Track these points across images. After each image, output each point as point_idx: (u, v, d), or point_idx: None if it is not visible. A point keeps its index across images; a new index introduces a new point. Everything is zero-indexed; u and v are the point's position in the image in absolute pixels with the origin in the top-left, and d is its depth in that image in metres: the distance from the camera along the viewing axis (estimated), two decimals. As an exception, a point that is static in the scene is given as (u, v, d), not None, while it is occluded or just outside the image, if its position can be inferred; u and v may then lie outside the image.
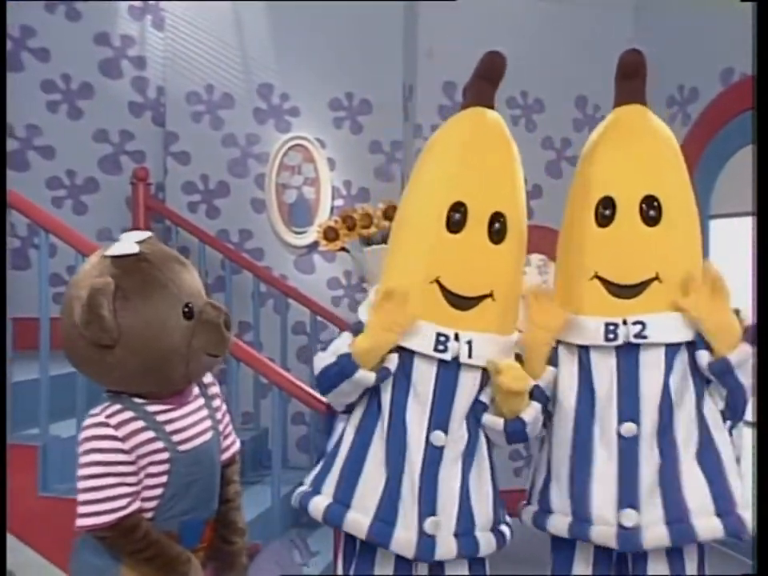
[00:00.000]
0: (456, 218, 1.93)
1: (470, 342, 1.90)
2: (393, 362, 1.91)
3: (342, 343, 1.93)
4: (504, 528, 1.98)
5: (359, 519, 1.89)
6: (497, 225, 1.94)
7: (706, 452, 1.92)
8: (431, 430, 1.90)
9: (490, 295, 1.93)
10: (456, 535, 1.87)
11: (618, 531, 1.86)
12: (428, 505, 1.86)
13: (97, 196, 4.44)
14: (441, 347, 1.90)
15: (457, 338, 1.90)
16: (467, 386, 1.93)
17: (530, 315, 2.00)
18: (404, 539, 1.84)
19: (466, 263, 1.94)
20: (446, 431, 1.90)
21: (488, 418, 1.93)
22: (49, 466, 2.71)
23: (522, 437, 1.94)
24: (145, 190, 4.17)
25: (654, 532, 1.86)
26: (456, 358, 1.90)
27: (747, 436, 3.08)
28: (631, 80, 2.06)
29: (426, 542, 1.84)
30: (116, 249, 1.63)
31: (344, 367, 1.87)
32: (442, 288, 1.92)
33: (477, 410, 1.94)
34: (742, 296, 3.14)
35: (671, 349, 1.94)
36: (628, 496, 1.87)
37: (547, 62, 4.35)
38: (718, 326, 1.90)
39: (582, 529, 1.91)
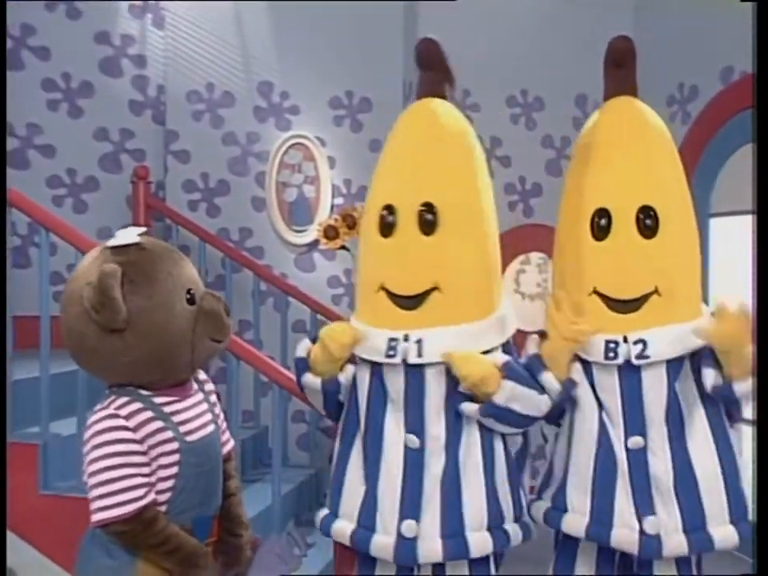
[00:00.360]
0: (387, 222, 1.92)
1: (419, 341, 1.87)
2: (346, 372, 1.98)
3: (302, 347, 2.10)
4: (510, 527, 1.92)
5: (344, 526, 1.92)
6: (427, 216, 1.89)
7: (722, 457, 1.90)
8: (406, 433, 1.89)
9: (436, 288, 1.89)
10: (443, 537, 1.83)
11: (640, 537, 1.83)
12: (410, 508, 1.84)
13: (97, 194, 4.44)
14: (391, 352, 1.88)
15: (407, 338, 1.87)
16: (435, 384, 1.90)
17: (553, 325, 1.92)
18: (382, 543, 1.84)
19: (402, 264, 1.91)
20: (420, 433, 1.88)
21: (464, 407, 1.88)
22: (49, 464, 2.71)
23: (505, 418, 1.86)
24: (145, 188, 4.18)
25: (674, 540, 1.84)
26: (406, 359, 1.88)
27: (747, 435, 3.08)
28: (621, 68, 2.01)
29: (406, 545, 1.82)
30: (117, 240, 1.67)
31: (298, 370, 2.07)
32: (388, 293, 1.92)
33: (458, 402, 1.89)
34: (742, 294, 3.14)
35: (673, 362, 1.91)
36: (645, 505, 1.85)
37: (547, 61, 4.36)
38: (738, 357, 1.83)
39: (601, 531, 1.88)
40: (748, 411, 1.90)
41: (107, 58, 4.45)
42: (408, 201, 1.90)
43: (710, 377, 1.87)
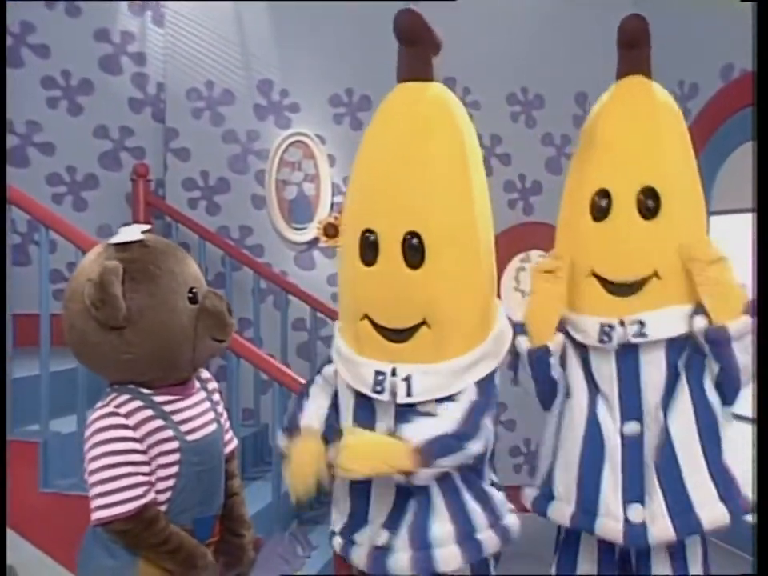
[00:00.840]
0: (368, 248, 1.73)
1: (408, 378, 1.73)
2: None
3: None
4: (484, 535, 1.81)
5: (338, 540, 1.90)
6: (411, 248, 1.70)
7: (708, 440, 1.85)
8: None
9: (424, 323, 1.74)
10: (413, 550, 1.76)
11: (625, 526, 1.82)
12: (388, 523, 1.79)
13: (97, 192, 4.44)
14: (378, 387, 1.74)
15: (395, 373, 1.74)
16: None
17: (535, 284, 1.92)
18: (359, 556, 1.82)
19: (386, 297, 1.74)
20: None
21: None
22: (50, 462, 2.71)
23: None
24: (145, 186, 4.18)
25: (659, 526, 1.82)
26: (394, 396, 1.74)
27: (747, 433, 3.08)
28: (633, 48, 1.95)
29: (378, 557, 1.77)
30: (120, 237, 1.67)
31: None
32: (373, 322, 1.77)
33: None
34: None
35: (671, 344, 1.87)
36: (634, 492, 1.84)
37: (547, 59, 4.35)
38: (720, 293, 1.80)
39: (585, 520, 1.87)
40: (741, 351, 1.83)
41: (107, 55, 4.44)
42: (390, 227, 1.72)
43: (700, 321, 1.82)
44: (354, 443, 1.66)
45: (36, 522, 2.65)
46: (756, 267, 1.77)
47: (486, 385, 1.79)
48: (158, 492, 1.63)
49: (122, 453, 1.58)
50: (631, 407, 1.88)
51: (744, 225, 3.22)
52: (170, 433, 1.63)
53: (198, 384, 1.78)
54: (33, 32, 4.33)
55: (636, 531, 1.82)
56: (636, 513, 1.82)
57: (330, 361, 1.94)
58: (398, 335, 1.75)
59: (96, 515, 1.59)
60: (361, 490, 1.82)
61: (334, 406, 1.91)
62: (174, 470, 1.64)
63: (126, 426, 1.59)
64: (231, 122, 4.32)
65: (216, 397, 1.82)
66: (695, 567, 1.95)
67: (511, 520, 1.89)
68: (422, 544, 1.76)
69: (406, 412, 1.77)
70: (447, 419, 1.72)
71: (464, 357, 1.77)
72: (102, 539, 1.63)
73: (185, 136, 4.30)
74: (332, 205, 4.33)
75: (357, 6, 4.24)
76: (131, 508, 1.57)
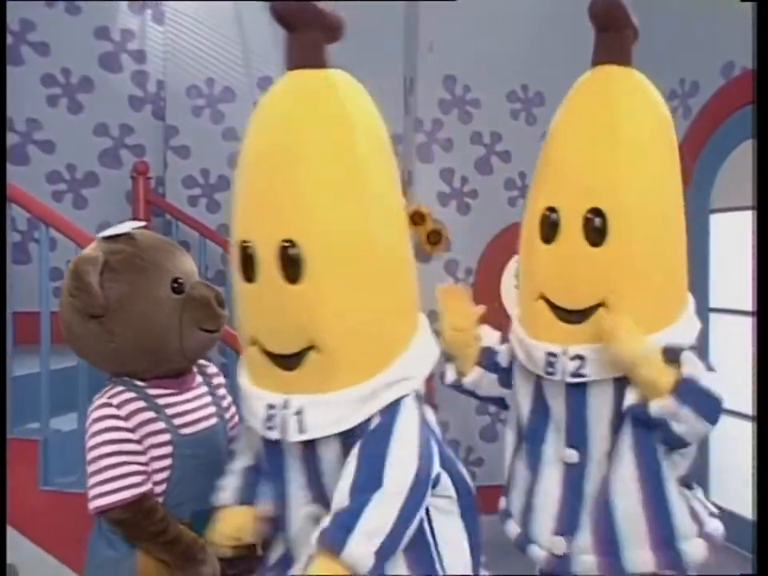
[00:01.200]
0: (246, 262, 1.47)
1: (300, 413, 1.45)
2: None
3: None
4: None
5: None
6: (288, 259, 1.42)
7: (649, 482, 1.73)
8: (312, 503, 1.56)
9: (312, 348, 1.46)
10: None
11: (548, 556, 1.78)
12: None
13: (97, 190, 4.44)
14: (269, 424, 1.47)
15: (286, 405, 1.46)
16: (329, 453, 1.51)
17: (442, 315, 1.89)
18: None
19: (267, 317, 1.49)
20: (325, 505, 1.51)
21: None
22: (50, 460, 2.71)
23: None
24: (145, 184, 4.17)
25: (583, 561, 1.75)
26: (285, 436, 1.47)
27: (747, 432, 3.08)
28: (606, 33, 1.68)
29: None
30: (109, 230, 1.72)
31: None
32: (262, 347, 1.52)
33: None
34: (742, 291, 3.14)
35: (619, 380, 1.72)
36: (566, 523, 1.77)
37: (547, 56, 4.35)
38: (648, 384, 1.65)
39: (523, 543, 1.85)
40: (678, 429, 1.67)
41: (107, 53, 4.44)
42: (265, 236, 1.45)
43: (629, 397, 1.70)
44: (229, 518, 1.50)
45: (36, 520, 2.65)
46: (756, 265, 1.76)
47: (392, 406, 1.50)
48: (154, 484, 1.65)
49: (117, 442, 1.61)
50: (575, 435, 1.78)
51: (744, 222, 3.22)
52: (161, 425, 1.65)
53: (199, 378, 1.79)
54: (33, 30, 4.34)
55: (559, 563, 1.77)
56: (558, 546, 1.76)
57: None
58: (287, 361, 1.48)
59: (94, 503, 1.61)
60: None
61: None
62: (167, 462, 1.66)
63: (118, 417, 1.62)
64: (231, 119, 4.32)
65: (221, 391, 1.84)
66: None
67: None
68: None
69: (311, 457, 1.52)
70: (344, 481, 1.44)
71: (362, 385, 1.48)
72: (104, 531, 1.65)
73: (185, 133, 4.30)
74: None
75: (356, 5, 4.23)
76: (129, 495, 1.59)
